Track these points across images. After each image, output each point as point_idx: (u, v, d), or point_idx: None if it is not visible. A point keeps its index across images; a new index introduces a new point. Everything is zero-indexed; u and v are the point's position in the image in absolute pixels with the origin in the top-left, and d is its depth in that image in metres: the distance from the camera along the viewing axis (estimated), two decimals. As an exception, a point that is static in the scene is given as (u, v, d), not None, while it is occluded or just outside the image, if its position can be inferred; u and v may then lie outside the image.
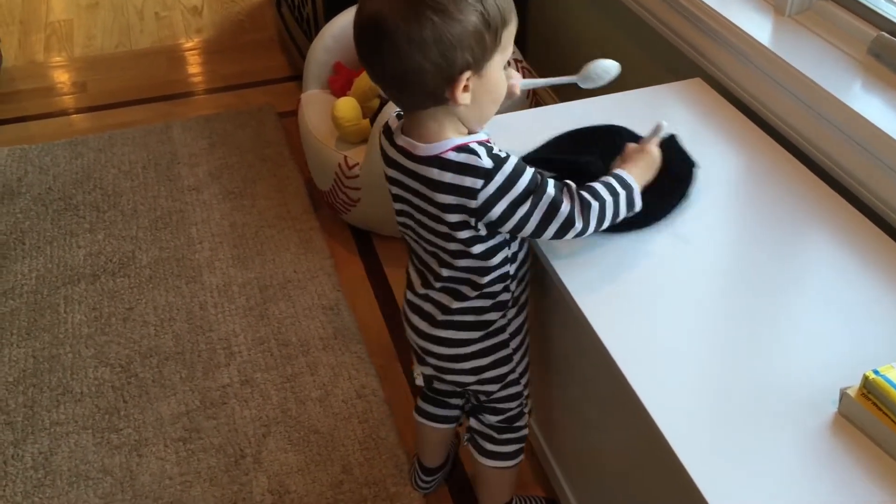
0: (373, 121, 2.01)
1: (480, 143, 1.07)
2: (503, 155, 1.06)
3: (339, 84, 2.20)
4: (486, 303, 1.19)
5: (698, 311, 1.12)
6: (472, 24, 0.99)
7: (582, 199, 1.10)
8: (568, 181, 1.12)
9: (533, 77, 2.27)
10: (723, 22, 1.54)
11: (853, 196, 1.31)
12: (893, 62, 1.33)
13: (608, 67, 1.35)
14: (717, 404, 0.99)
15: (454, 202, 1.06)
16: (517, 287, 1.21)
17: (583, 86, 1.36)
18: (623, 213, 1.15)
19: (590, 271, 1.17)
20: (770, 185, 1.32)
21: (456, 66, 1.00)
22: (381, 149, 1.16)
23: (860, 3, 1.42)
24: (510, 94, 1.14)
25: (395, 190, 1.16)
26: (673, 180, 1.26)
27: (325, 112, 2.13)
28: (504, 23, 1.03)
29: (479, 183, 1.04)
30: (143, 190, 2.36)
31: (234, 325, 1.94)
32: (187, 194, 2.34)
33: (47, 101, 2.86)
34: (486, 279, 1.15)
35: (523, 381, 1.32)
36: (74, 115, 2.78)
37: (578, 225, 1.10)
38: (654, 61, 1.86)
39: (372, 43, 1.02)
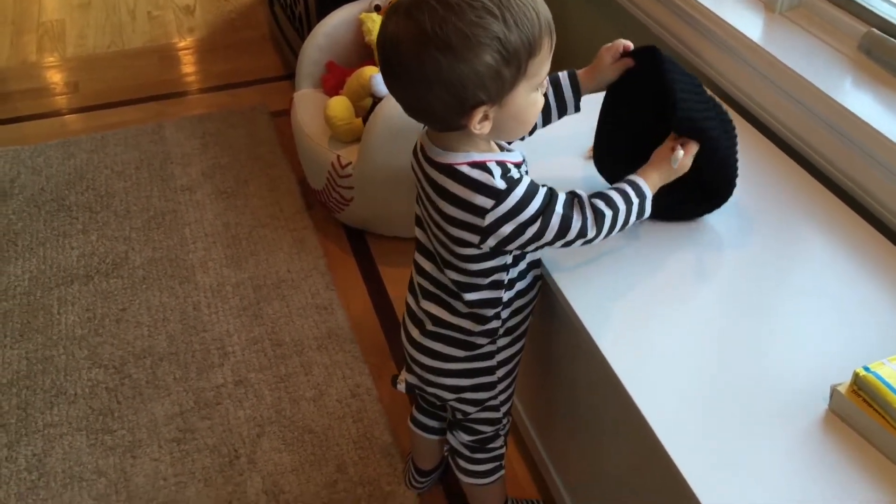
0: (365, 120, 2.01)
1: (499, 162, 1.03)
2: (517, 177, 1.03)
3: (331, 83, 2.20)
4: (475, 326, 1.16)
5: (690, 310, 1.12)
6: (483, 65, 0.93)
7: (595, 208, 1.08)
8: (579, 193, 1.09)
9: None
10: (714, 19, 1.54)
11: (844, 193, 1.32)
12: (883, 58, 1.34)
13: None
14: (709, 403, 0.99)
15: (460, 217, 1.03)
16: (511, 316, 1.18)
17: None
18: (633, 221, 1.13)
19: (585, 275, 1.17)
20: (761, 183, 1.33)
21: (467, 101, 0.96)
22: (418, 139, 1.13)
23: (850, 0, 1.42)
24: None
25: (416, 182, 1.13)
26: (708, 191, 1.24)
27: (318, 111, 2.13)
28: (531, 53, 0.96)
29: (489, 203, 1.01)
30: (135, 190, 2.36)
31: (228, 325, 1.94)
32: (180, 194, 2.34)
33: (40, 102, 2.85)
34: (473, 297, 1.13)
35: (504, 409, 1.29)
36: (67, 116, 2.77)
37: (591, 234, 1.09)
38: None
39: (387, 65, 0.99)
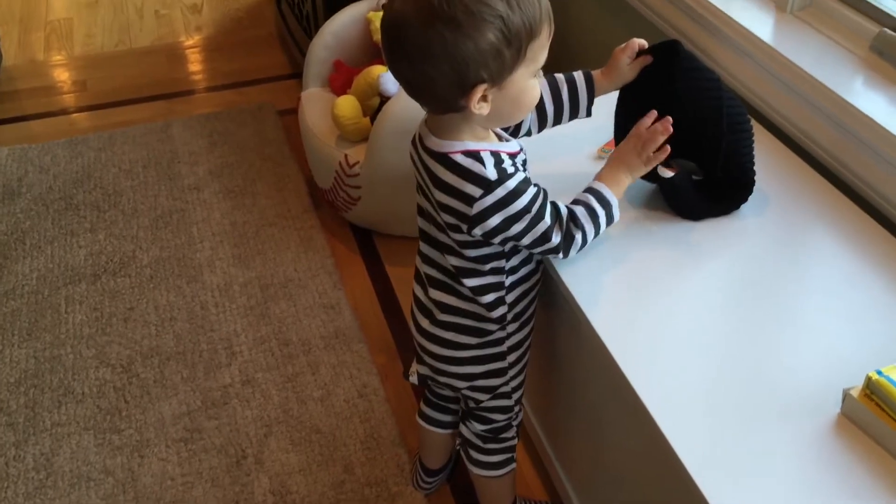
0: (373, 119, 2.01)
1: (493, 152, 1.05)
2: (510, 170, 1.05)
3: (339, 82, 2.19)
4: (483, 311, 1.18)
5: (701, 312, 1.11)
6: (486, 42, 0.95)
7: (567, 230, 1.11)
8: (560, 208, 1.11)
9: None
10: (725, 19, 1.53)
11: (856, 194, 1.31)
12: (896, 59, 1.33)
13: None
14: (719, 405, 0.98)
15: (450, 204, 1.06)
16: (517, 301, 1.20)
17: None
18: (603, 230, 1.15)
19: (594, 274, 1.16)
20: (773, 184, 1.32)
21: (469, 79, 0.98)
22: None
23: (862, 0, 1.41)
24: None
25: (415, 171, 1.15)
26: (732, 187, 1.25)
27: (326, 110, 2.12)
28: (531, 36, 0.99)
29: (478, 192, 1.03)
30: (143, 189, 2.36)
31: (236, 324, 1.94)
32: (188, 193, 2.34)
33: (47, 101, 2.85)
34: (475, 283, 1.14)
35: (515, 395, 1.31)
36: (75, 114, 2.78)
37: (561, 254, 1.12)
38: (656, 58, 1.85)
39: (391, 44, 1.01)
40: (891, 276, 1.15)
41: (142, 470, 1.64)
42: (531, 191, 1.06)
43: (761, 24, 1.49)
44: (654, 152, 1.15)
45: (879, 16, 1.38)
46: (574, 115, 1.26)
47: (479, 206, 1.04)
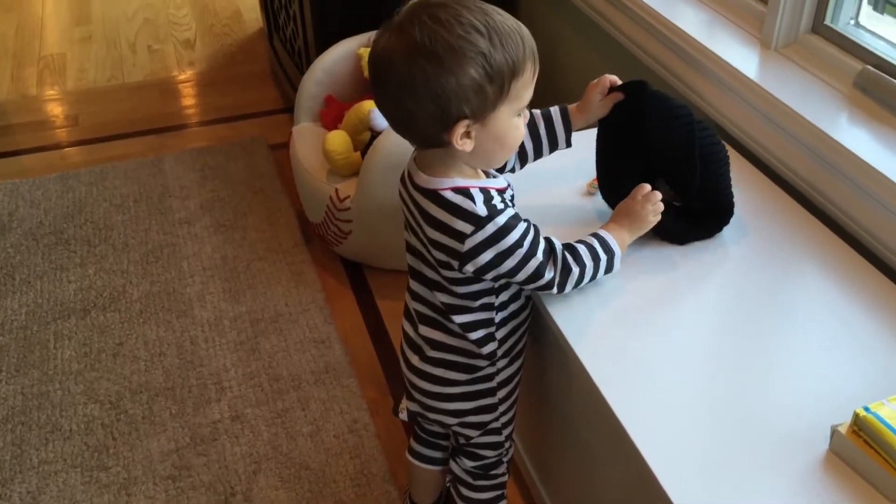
0: (364, 154, 2.02)
1: (482, 189, 1.06)
2: (500, 206, 1.06)
3: (330, 117, 2.21)
4: (472, 348, 1.18)
5: (689, 348, 1.11)
6: (468, 77, 0.97)
7: (565, 263, 1.11)
8: (554, 243, 1.12)
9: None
10: (709, 55, 1.55)
11: (842, 229, 1.32)
12: (879, 95, 1.34)
13: None
14: (708, 441, 0.98)
15: (441, 241, 1.06)
16: (507, 337, 1.20)
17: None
18: (600, 277, 1.16)
19: (583, 310, 1.16)
20: (759, 219, 1.33)
21: (451, 114, 0.99)
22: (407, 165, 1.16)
23: (845, 37, 1.43)
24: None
25: (403, 208, 1.15)
26: (711, 213, 1.27)
27: (317, 145, 2.14)
28: (514, 74, 1.00)
29: (469, 228, 1.04)
30: (134, 223, 2.36)
31: (225, 359, 1.93)
32: (179, 227, 2.34)
33: (40, 135, 2.86)
34: (465, 319, 1.14)
35: (506, 431, 1.30)
36: (67, 149, 2.78)
37: (554, 291, 1.13)
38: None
39: (377, 80, 1.03)
40: (877, 310, 1.15)
41: (129, 508, 1.62)
42: (521, 226, 1.07)
43: (746, 61, 1.51)
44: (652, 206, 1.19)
45: (862, 53, 1.40)
46: (553, 148, 1.29)
47: (470, 243, 1.04)
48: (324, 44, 2.29)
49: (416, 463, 1.48)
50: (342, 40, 2.26)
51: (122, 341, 1.98)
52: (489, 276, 1.08)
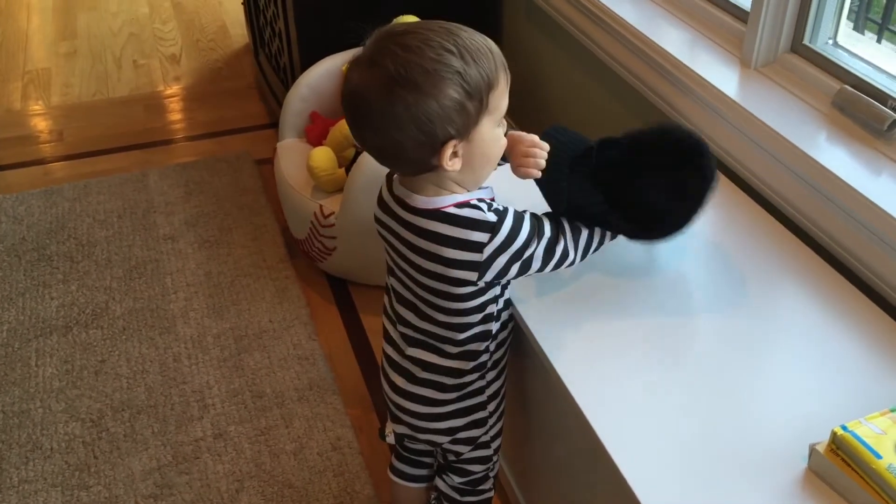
0: (348, 170, 2.02)
1: (480, 199, 1.08)
2: (501, 208, 1.08)
3: (314, 133, 2.21)
4: (466, 364, 1.18)
5: (670, 366, 1.11)
6: (449, 98, 0.98)
7: (573, 227, 1.15)
8: (559, 218, 1.15)
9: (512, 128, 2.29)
10: (690, 75, 1.56)
11: (820, 247, 1.33)
12: (857, 114, 1.36)
13: None
14: (687, 460, 0.98)
15: (461, 258, 1.06)
16: (497, 348, 1.21)
17: None
18: (606, 243, 1.20)
19: (564, 326, 1.17)
20: (738, 237, 1.34)
21: (437, 137, 1.00)
22: (380, 192, 1.16)
23: (824, 57, 1.45)
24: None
25: (386, 235, 1.15)
26: (652, 220, 1.24)
27: (301, 161, 2.14)
28: (490, 87, 1.01)
29: (485, 237, 1.05)
30: (117, 239, 2.35)
31: (208, 376, 1.92)
32: (162, 243, 2.33)
33: (24, 150, 2.85)
34: (466, 335, 1.15)
35: (494, 445, 1.31)
36: (51, 164, 2.77)
37: (572, 256, 1.15)
38: (626, 111, 1.89)
39: (354, 115, 1.03)
40: (853, 326, 1.16)
41: (110, 528, 1.61)
42: (527, 218, 1.10)
43: (726, 80, 1.52)
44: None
45: (841, 73, 1.42)
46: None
47: (489, 250, 1.05)
48: (309, 60, 2.29)
49: (399, 481, 1.47)
50: (327, 57, 2.27)
51: (105, 358, 1.97)
52: (510, 276, 1.09)
